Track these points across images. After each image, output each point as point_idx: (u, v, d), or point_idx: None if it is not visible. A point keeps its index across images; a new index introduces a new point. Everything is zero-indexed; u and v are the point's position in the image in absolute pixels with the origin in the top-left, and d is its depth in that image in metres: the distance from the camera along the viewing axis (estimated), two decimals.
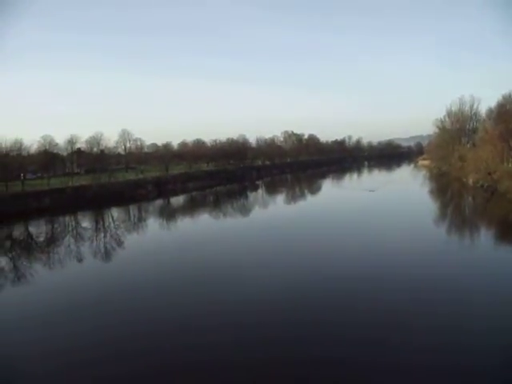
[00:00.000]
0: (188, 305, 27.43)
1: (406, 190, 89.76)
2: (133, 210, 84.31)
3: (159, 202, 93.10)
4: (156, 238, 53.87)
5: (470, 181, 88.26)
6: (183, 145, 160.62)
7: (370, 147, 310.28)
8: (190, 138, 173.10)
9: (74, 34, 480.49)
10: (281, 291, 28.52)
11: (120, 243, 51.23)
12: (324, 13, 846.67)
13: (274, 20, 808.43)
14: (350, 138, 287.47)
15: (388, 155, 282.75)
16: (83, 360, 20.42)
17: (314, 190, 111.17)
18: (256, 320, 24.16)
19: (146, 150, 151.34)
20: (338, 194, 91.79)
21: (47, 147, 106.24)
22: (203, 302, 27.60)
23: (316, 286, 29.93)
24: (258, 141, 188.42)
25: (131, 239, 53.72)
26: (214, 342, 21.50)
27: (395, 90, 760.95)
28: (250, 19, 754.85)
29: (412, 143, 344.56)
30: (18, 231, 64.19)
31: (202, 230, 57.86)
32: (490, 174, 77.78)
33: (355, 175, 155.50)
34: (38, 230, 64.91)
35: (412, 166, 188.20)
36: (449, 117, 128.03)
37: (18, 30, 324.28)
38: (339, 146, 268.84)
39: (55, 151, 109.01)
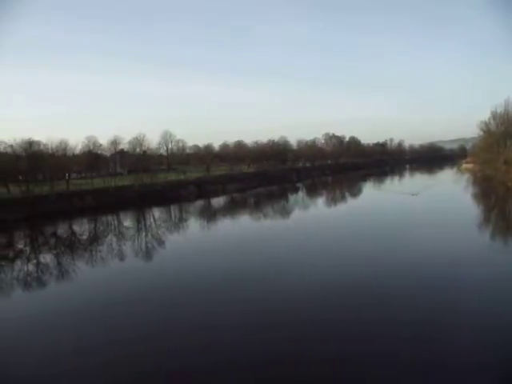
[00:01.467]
0: (226, 303, 26.72)
1: (449, 194, 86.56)
2: (174, 210, 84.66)
3: (200, 203, 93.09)
4: (196, 238, 53.40)
5: None
6: (224, 146, 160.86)
7: (412, 150, 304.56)
8: (231, 139, 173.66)
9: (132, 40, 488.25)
10: (326, 291, 27.49)
11: (161, 243, 51.16)
12: (362, 12, 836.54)
13: (312, 18, 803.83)
14: (391, 140, 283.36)
15: (430, 158, 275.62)
16: (121, 355, 20.13)
17: (355, 192, 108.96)
18: (305, 317, 23.23)
19: (187, 151, 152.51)
20: (379, 197, 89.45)
21: (91, 148, 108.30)
22: (242, 300, 26.83)
23: (360, 289, 28.66)
24: (298, 143, 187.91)
25: (172, 239, 53.56)
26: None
27: (437, 91, 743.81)
28: (288, 17, 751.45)
29: (455, 146, 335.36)
30: (62, 229, 65.37)
31: (242, 230, 57.20)
32: None
33: (396, 178, 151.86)
34: (81, 228, 65.89)
35: (455, 169, 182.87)
36: (494, 119, 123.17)
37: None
38: (380, 148, 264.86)
39: (99, 152, 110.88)
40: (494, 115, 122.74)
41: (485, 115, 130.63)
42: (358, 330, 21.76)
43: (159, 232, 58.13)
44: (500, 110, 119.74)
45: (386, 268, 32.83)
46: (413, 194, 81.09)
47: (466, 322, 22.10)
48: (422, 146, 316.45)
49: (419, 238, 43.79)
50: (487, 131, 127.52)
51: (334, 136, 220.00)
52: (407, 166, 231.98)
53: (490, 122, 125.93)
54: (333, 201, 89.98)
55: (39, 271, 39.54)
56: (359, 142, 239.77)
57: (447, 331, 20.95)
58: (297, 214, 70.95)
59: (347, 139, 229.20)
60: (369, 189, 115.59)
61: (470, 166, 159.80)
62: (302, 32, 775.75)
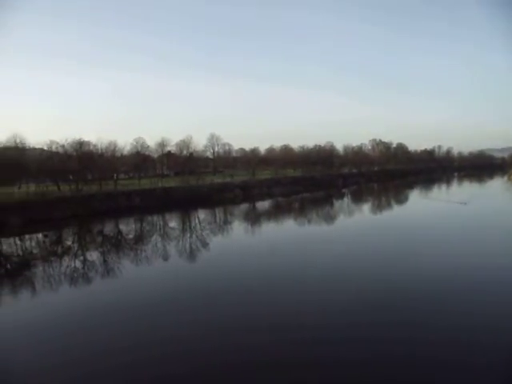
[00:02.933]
0: (268, 305, 26.14)
1: (500, 204, 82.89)
2: (219, 212, 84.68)
3: (245, 206, 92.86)
4: (240, 241, 53.04)
5: None
6: (270, 150, 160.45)
7: (461, 157, 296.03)
8: (277, 143, 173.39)
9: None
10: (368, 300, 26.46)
11: (204, 244, 50.97)
12: (413, 17, 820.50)
13: (363, 18, 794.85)
14: (439, 147, 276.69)
15: (479, 166, 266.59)
16: (163, 353, 19.85)
17: (402, 200, 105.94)
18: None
19: (233, 154, 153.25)
20: (426, 206, 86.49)
21: (139, 149, 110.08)
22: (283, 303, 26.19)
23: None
24: (345, 148, 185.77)
25: (216, 241, 53.37)
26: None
27: (487, 98, 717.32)
28: (333, 24, 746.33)
29: (505, 154, 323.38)
30: (108, 227, 66.41)
31: (285, 234, 56.37)
32: None
33: (444, 186, 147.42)
34: (128, 227, 66.78)
35: (505, 178, 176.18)
36: None
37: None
38: (428, 155, 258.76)
39: (147, 153, 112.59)
40: None
41: None
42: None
43: (203, 233, 58.06)
44: None
45: (441, 286, 31.10)
46: (462, 203, 78.21)
47: None
48: (471, 154, 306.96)
49: (471, 251, 41.80)
50: None
51: (380, 142, 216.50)
52: (455, 174, 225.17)
53: None
54: (378, 208, 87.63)
55: (85, 268, 40.02)
56: (406, 148, 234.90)
57: None
58: (341, 220, 69.44)
59: (394, 145, 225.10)
60: (416, 197, 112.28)
61: None
62: (350, 37, 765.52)
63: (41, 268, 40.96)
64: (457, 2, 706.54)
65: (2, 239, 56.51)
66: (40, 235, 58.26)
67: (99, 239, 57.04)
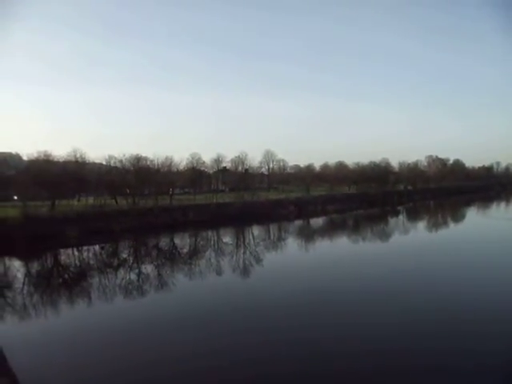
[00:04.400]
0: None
1: None
2: (273, 228, 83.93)
3: (299, 223, 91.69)
4: (293, 259, 52.08)
5: None
6: (325, 167, 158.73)
7: None
8: (331, 160, 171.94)
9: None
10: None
11: (258, 260, 50.28)
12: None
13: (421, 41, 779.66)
14: (498, 164, 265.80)
15: None
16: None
17: (458, 218, 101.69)
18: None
19: (288, 170, 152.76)
20: (485, 224, 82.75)
21: (195, 165, 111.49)
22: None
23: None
24: (400, 165, 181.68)
25: (269, 257, 52.60)
26: None
27: None
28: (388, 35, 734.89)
29: None
30: (163, 242, 66.89)
31: (339, 253, 54.93)
32: None
33: (503, 204, 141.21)
34: (182, 242, 67.06)
35: None
36: None
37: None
38: (486, 172, 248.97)
39: (202, 169, 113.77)
40: None
41: None
42: None
43: (257, 250, 57.41)
44: None
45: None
46: None
47: None
48: None
49: None
50: None
51: (437, 158, 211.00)
52: None
53: None
54: (434, 227, 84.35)
55: (140, 280, 40.14)
56: (463, 164, 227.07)
57: None
58: (396, 239, 67.17)
59: (451, 162, 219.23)
60: (474, 215, 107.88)
61: None
62: (404, 52, 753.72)
63: (97, 279, 41.47)
64: None
65: (61, 250, 58.07)
66: (97, 247, 59.39)
67: (154, 253, 57.47)
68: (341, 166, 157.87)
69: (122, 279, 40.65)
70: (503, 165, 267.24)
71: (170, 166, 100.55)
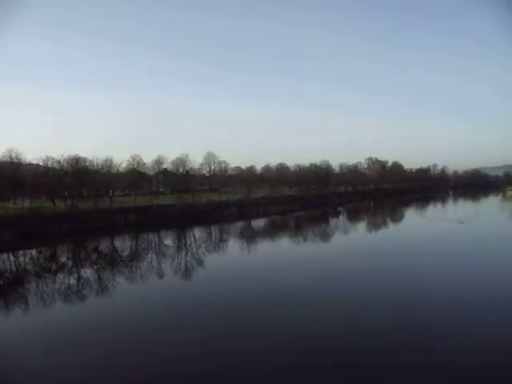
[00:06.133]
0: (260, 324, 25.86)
1: (496, 223, 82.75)
2: (214, 230, 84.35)
3: (240, 224, 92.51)
4: (235, 260, 52.84)
5: None
6: (266, 169, 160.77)
7: (455, 176, 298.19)
8: (273, 162, 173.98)
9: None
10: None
11: (199, 262, 50.60)
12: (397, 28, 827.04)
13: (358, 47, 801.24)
14: (434, 166, 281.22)
15: (474, 184, 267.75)
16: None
17: (397, 218, 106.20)
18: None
19: (229, 172, 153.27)
20: (424, 224, 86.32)
21: (135, 166, 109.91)
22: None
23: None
24: (341, 167, 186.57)
25: (211, 259, 53.06)
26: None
27: (482, 116, 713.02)
28: (338, 45, 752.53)
29: (500, 172, 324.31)
30: (104, 245, 65.99)
31: (280, 253, 56.08)
32: None
33: (439, 205, 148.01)
34: (123, 244, 66.40)
35: (500, 196, 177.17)
36: None
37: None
38: (423, 174, 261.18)
39: (143, 170, 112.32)
40: None
41: None
42: None
43: (198, 251, 57.71)
44: None
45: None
46: (459, 222, 78.09)
47: None
48: (465, 172, 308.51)
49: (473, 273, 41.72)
50: None
51: (376, 161, 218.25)
52: (450, 193, 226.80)
53: None
54: (374, 227, 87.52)
55: (79, 285, 39.66)
56: (402, 167, 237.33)
57: None
58: (336, 238, 69.31)
59: (390, 164, 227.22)
60: (411, 215, 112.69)
61: None
62: (350, 59, 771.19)
63: (34, 284, 40.62)
64: None
65: None
66: (34, 251, 57.87)
67: (94, 256, 56.67)
68: (282, 168, 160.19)
69: (61, 284, 40.02)
70: (439, 167, 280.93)
71: (109, 167, 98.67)
